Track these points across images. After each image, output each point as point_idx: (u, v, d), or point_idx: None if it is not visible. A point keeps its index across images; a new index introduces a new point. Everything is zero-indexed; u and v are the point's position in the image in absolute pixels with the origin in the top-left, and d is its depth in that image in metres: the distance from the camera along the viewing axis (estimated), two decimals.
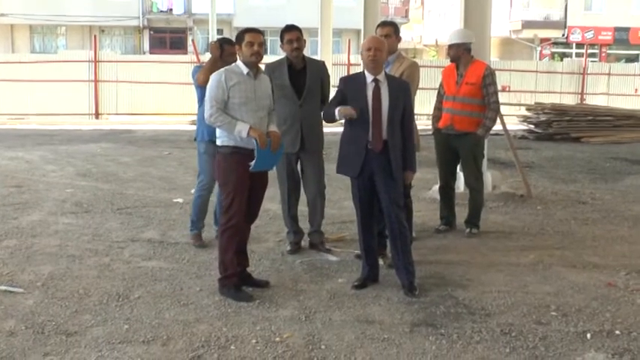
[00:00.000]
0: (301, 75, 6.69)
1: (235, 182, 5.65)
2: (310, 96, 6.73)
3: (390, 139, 5.72)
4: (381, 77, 5.74)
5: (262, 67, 6.04)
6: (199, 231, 7.25)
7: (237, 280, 5.74)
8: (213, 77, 5.72)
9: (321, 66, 6.97)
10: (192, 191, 7.59)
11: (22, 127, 20.27)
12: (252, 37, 5.67)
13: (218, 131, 5.77)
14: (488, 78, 7.49)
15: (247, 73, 5.70)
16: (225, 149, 5.70)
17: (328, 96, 6.84)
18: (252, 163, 5.60)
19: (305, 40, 6.82)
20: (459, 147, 7.70)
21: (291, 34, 6.62)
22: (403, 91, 5.83)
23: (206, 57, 23.57)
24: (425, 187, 9.95)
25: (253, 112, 5.68)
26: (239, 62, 5.78)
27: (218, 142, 5.77)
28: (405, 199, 6.22)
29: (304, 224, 7.13)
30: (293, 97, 6.66)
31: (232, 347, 4.69)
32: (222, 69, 5.81)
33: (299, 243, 7.03)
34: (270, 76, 6.60)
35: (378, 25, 6.75)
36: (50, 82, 22.42)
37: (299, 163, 6.91)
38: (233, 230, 5.70)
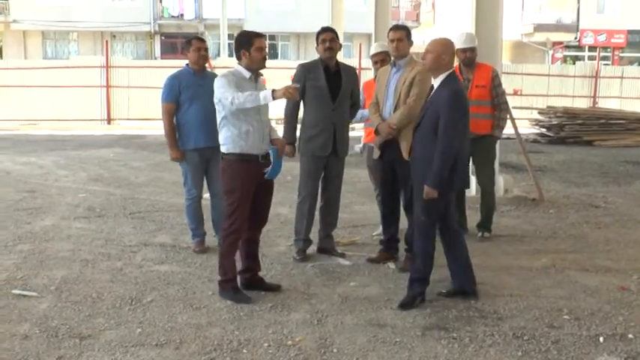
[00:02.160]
0: (336, 78, 6.73)
1: (242, 189, 5.65)
2: (343, 100, 6.79)
3: (414, 145, 5.72)
4: (436, 82, 5.63)
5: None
6: (201, 238, 7.24)
7: (236, 283, 5.78)
8: (218, 80, 5.68)
9: (353, 72, 7.06)
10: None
11: (35, 133, 20.37)
12: (262, 42, 5.72)
13: (223, 138, 5.73)
14: (496, 79, 7.57)
15: (249, 77, 5.71)
16: (231, 156, 5.70)
17: (359, 100, 7.08)
18: (269, 170, 5.67)
19: (340, 44, 6.90)
20: (474, 150, 7.68)
21: (325, 34, 6.72)
22: (441, 100, 5.45)
23: (217, 61, 23.73)
24: None
25: (257, 115, 5.70)
26: (239, 67, 5.74)
27: (223, 150, 5.75)
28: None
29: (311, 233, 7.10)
30: (328, 100, 6.69)
31: (244, 351, 4.69)
32: (225, 72, 5.81)
33: (306, 251, 6.99)
34: (304, 76, 6.67)
35: (391, 29, 6.75)
36: (62, 87, 22.53)
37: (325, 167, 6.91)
38: (235, 235, 5.73)
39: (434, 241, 5.71)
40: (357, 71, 22.90)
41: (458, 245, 5.79)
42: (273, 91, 5.42)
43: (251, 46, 5.66)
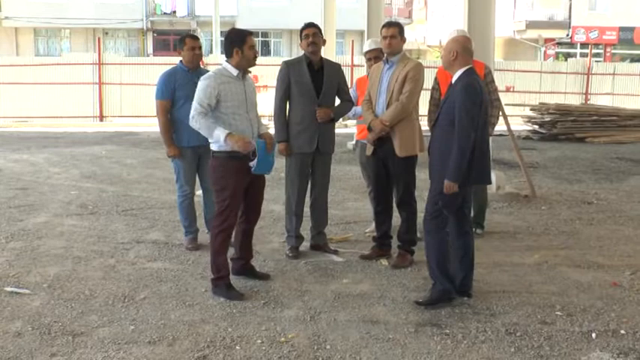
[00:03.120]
0: (320, 74, 6.71)
1: (233, 188, 5.68)
2: (327, 96, 6.75)
3: (432, 141, 5.66)
4: (453, 78, 5.57)
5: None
6: (194, 235, 7.24)
7: (229, 280, 5.82)
8: (202, 81, 5.71)
9: (337, 68, 6.98)
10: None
11: (27, 130, 20.32)
12: (254, 41, 5.80)
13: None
14: (489, 76, 7.50)
15: (237, 75, 5.73)
16: (221, 154, 5.70)
17: (349, 95, 7.01)
18: (254, 165, 5.65)
19: (324, 40, 6.87)
20: None
21: (308, 29, 6.70)
22: (456, 94, 5.42)
23: (210, 58, 23.70)
24: (427, 187, 9.92)
25: (245, 113, 5.75)
26: (227, 65, 5.75)
27: (214, 148, 5.76)
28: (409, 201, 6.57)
29: (302, 230, 7.09)
30: (312, 96, 6.66)
31: (237, 347, 4.70)
32: (211, 73, 5.82)
33: (299, 248, 6.99)
34: (288, 73, 6.65)
35: (384, 26, 6.74)
36: (54, 84, 22.48)
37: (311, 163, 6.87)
38: (227, 233, 5.77)
39: (445, 238, 5.62)
40: (350, 68, 23.00)
41: (466, 242, 5.73)
42: (228, 134, 5.52)
43: (244, 44, 5.68)
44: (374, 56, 7.27)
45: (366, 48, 7.55)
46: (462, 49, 5.55)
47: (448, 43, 5.64)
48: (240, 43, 5.68)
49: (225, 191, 5.70)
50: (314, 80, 6.67)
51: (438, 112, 5.67)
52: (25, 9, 39.33)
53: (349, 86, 7.25)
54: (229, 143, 5.52)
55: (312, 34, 6.66)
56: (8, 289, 5.83)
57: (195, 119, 5.61)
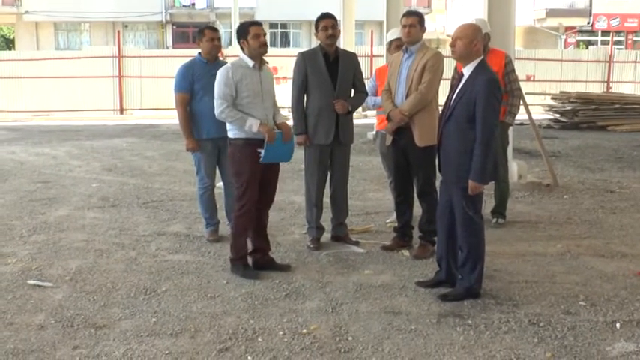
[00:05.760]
0: (335, 65, 6.67)
1: (249, 172, 5.89)
2: (344, 87, 6.71)
3: (446, 137, 5.37)
4: (465, 70, 5.30)
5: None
6: (215, 227, 7.24)
7: (246, 260, 6.04)
8: (220, 73, 5.90)
9: (353, 57, 6.93)
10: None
11: (48, 124, 20.44)
12: (258, 30, 5.89)
13: (229, 124, 5.97)
14: (509, 65, 7.45)
15: (253, 66, 5.90)
16: (238, 141, 5.93)
17: (364, 86, 6.96)
18: (262, 154, 5.82)
19: (339, 30, 6.83)
20: None
21: (326, 21, 6.63)
22: (477, 89, 5.13)
23: (229, 50, 23.71)
24: None
25: (261, 103, 5.92)
26: (243, 56, 5.95)
27: (230, 135, 5.99)
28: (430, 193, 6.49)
29: (323, 221, 7.07)
30: (329, 87, 6.63)
31: (260, 339, 4.70)
32: (228, 64, 5.99)
33: (320, 239, 6.97)
34: (304, 64, 6.64)
35: (403, 15, 6.68)
36: (75, 78, 22.61)
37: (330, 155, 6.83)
38: (247, 216, 5.96)
39: (483, 234, 5.45)
40: (369, 59, 22.92)
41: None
42: (260, 124, 5.78)
43: (247, 35, 5.85)
44: (398, 45, 7.15)
45: (392, 36, 7.43)
46: (480, 38, 5.32)
47: (466, 32, 5.27)
48: (244, 35, 5.89)
49: (241, 176, 5.92)
50: (330, 71, 6.64)
51: (451, 106, 5.33)
52: (45, 3, 39.59)
53: (369, 76, 7.20)
54: (261, 131, 5.75)
55: (330, 25, 6.59)
56: (31, 282, 5.86)
57: (224, 113, 5.84)
